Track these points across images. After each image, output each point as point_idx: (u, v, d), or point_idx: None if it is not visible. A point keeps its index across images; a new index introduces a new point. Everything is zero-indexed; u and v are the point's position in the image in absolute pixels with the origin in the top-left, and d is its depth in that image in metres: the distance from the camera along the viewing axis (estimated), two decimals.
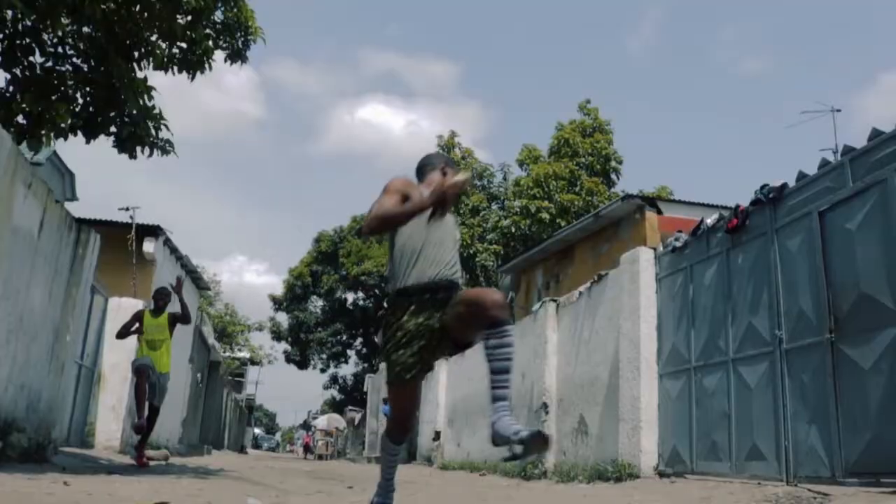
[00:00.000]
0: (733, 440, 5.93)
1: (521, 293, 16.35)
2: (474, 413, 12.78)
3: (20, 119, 6.34)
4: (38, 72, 6.40)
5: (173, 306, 7.98)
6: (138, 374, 7.30)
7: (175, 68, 6.91)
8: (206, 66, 6.99)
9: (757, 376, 5.77)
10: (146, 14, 6.41)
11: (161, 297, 7.73)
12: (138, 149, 6.83)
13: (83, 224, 7.31)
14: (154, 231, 11.80)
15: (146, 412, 7.34)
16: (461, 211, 18.17)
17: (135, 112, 6.65)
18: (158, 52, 6.76)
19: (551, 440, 2.58)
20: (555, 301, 9.73)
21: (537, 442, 2.44)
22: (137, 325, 7.55)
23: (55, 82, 6.46)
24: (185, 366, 14.91)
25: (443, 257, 2.91)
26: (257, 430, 62.32)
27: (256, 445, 55.02)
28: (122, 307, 10.40)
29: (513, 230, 17.13)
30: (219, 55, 7.09)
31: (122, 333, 7.63)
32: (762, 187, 6.00)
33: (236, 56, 7.16)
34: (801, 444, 5.19)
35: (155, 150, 6.95)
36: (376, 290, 37.81)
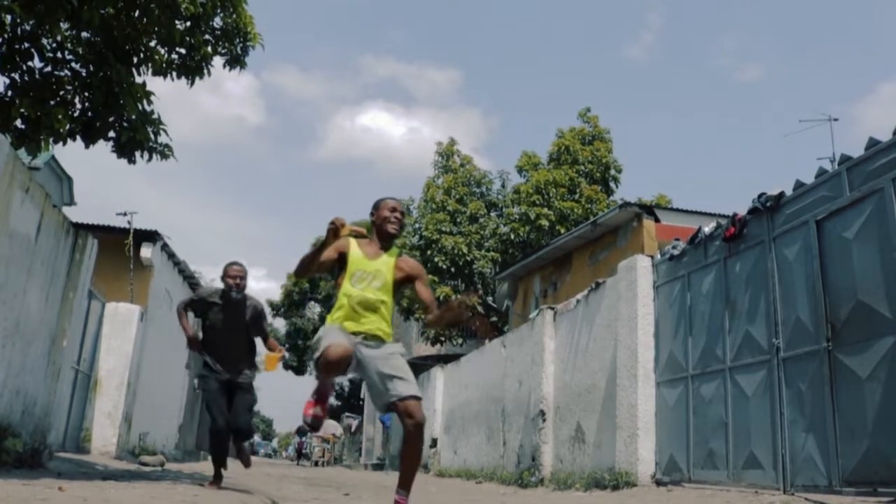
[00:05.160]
0: (730, 448, 5.92)
1: (519, 300, 16.34)
2: (471, 420, 12.75)
3: (18, 123, 6.34)
4: (37, 76, 6.40)
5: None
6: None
7: (174, 74, 6.93)
8: (205, 71, 7.01)
9: (754, 385, 5.77)
10: (145, 19, 6.42)
11: (388, 219, 3.81)
12: (137, 154, 6.83)
13: (81, 229, 7.29)
14: (152, 236, 11.77)
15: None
16: (458, 220, 18.16)
17: (133, 117, 6.65)
18: (157, 57, 6.77)
19: None
20: (552, 309, 9.73)
21: None
22: (336, 259, 3.77)
23: (54, 87, 6.46)
24: (182, 371, 14.88)
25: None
26: (254, 437, 62.15)
27: (253, 451, 54.85)
28: (119, 312, 10.40)
29: (511, 237, 17.15)
30: (217, 61, 7.11)
31: (308, 267, 3.74)
32: (759, 196, 6.01)
33: (235, 62, 7.17)
34: (798, 452, 5.18)
35: (154, 155, 6.95)
36: None
